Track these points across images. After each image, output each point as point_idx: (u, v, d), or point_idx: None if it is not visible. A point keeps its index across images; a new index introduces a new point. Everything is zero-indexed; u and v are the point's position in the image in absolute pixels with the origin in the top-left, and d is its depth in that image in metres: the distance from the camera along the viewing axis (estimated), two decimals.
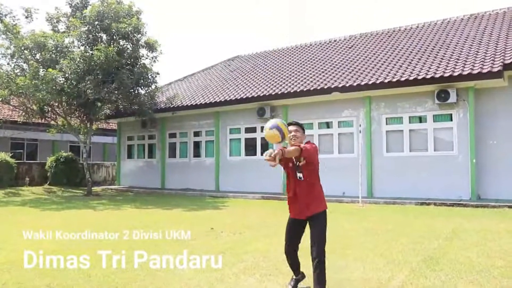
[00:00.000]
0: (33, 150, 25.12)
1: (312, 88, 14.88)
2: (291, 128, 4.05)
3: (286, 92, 15.46)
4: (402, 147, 13.82)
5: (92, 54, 15.86)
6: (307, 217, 4.03)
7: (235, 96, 17.00)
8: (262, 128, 16.82)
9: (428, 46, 15.34)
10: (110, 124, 25.64)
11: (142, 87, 18.30)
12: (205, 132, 18.74)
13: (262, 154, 16.60)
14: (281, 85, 16.34)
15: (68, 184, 20.27)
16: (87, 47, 16.96)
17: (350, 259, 5.60)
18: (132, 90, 17.46)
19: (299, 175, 4.01)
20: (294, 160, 4.00)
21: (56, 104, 17.74)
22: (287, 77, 17.17)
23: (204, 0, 73.26)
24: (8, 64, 16.74)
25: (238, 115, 17.49)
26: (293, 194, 4.06)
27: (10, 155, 19.61)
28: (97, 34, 17.02)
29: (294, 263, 4.27)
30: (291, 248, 4.19)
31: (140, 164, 21.34)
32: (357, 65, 15.67)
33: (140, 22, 17.24)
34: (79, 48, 17.18)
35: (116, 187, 21.23)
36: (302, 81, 16.00)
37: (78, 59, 15.90)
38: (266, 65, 20.47)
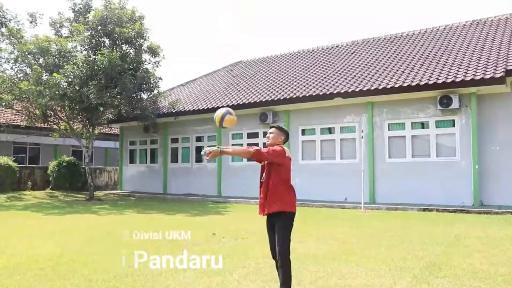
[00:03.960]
0: (35, 155, 25.19)
1: (314, 94, 14.89)
2: (269, 130, 4.32)
3: (288, 97, 15.47)
4: (404, 153, 13.79)
5: (95, 59, 15.92)
6: (268, 214, 4.11)
7: (237, 101, 17.02)
8: (264, 133, 16.86)
9: (431, 52, 15.35)
10: (113, 128, 25.68)
11: (144, 92, 18.37)
12: (207, 137, 18.74)
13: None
14: (283, 91, 16.35)
15: (70, 189, 20.29)
16: (90, 52, 17.05)
17: (352, 265, 5.57)
18: (134, 95, 17.52)
19: (263, 176, 4.18)
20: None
21: (59, 108, 17.80)
22: (289, 82, 17.18)
23: (207, 6, 73.57)
24: (11, 68, 16.85)
25: (240, 120, 17.41)
26: (260, 192, 4.21)
27: (13, 159, 19.67)
28: (100, 39, 17.11)
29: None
30: (272, 247, 4.18)
31: (142, 169, 21.35)
32: (360, 71, 15.68)
33: (143, 27, 17.33)
34: (82, 52, 17.26)
35: (118, 192, 21.23)
36: (304, 86, 16.01)
37: (81, 64, 15.96)
38: (268, 70, 20.50)
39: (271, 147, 4.14)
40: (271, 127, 4.32)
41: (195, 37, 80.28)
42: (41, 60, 16.26)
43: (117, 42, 17.13)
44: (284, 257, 3.94)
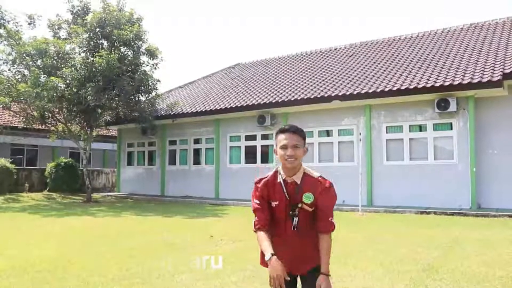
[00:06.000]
0: (33, 156, 25.13)
1: (312, 96, 14.90)
2: (289, 139, 2.52)
3: (286, 100, 15.48)
4: (402, 155, 13.82)
5: (93, 60, 15.93)
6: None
7: (235, 103, 17.03)
8: (262, 136, 16.91)
9: (428, 55, 15.40)
10: (110, 130, 25.67)
11: (142, 94, 18.36)
12: (205, 140, 18.74)
13: (262, 162, 16.66)
14: (281, 93, 16.37)
15: (68, 191, 20.24)
16: (88, 53, 17.05)
17: (350, 268, 5.57)
18: (132, 97, 17.52)
19: (295, 222, 2.57)
20: (287, 195, 2.56)
21: (57, 110, 17.78)
22: (288, 85, 17.20)
23: (206, 8, 73.67)
24: (9, 70, 16.83)
25: (239, 123, 17.50)
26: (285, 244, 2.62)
27: (10, 161, 19.61)
28: (98, 41, 17.12)
29: None
30: None
31: (140, 171, 21.32)
32: (357, 74, 15.71)
33: (141, 29, 17.34)
34: (80, 54, 17.26)
35: (115, 194, 21.19)
36: (302, 89, 16.03)
37: (79, 66, 15.95)
38: (266, 73, 20.53)
39: (329, 187, 2.55)
40: (284, 131, 2.56)
41: (193, 39, 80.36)
42: (39, 62, 16.26)
43: (115, 44, 17.14)
44: None
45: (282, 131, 2.60)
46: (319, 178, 2.59)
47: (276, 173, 2.64)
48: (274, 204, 2.60)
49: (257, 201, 2.62)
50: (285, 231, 2.61)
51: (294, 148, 2.51)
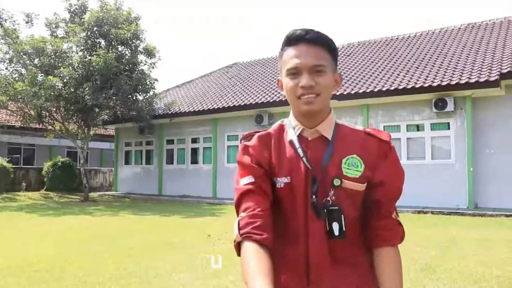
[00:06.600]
0: (30, 155, 25.07)
1: None
2: (304, 55, 1.25)
3: (284, 99, 15.45)
4: (399, 155, 13.77)
5: (90, 59, 15.89)
6: None
7: (233, 103, 17.02)
8: None
9: (426, 54, 15.42)
10: (108, 130, 25.61)
11: (140, 93, 18.35)
12: (203, 139, 18.72)
13: None
14: (279, 93, 16.36)
15: (65, 190, 20.19)
16: (86, 52, 17.02)
17: None
18: (130, 96, 17.50)
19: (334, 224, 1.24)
20: (308, 164, 1.28)
21: (54, 109, 17.75)
22: None
23: (204, 7, 73.66)
24: (6, 69, 16.79)
25: (236, 122, 17.49)
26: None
27: (7, 160, 19.56)
28: (95, 40, 17.09)
29: None
30: None
31: (138, 170, 21.29)
32: (355, 73, 15.72)
33: (139, 28, 17.32)
34: (77, 53, 17.22)
35: (113, 193, 21.15)
36: None
37: (76, 65, 15.93)
38: (264, 72, 20.52)
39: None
40: (310, 41, 1.25)
41: (191, 38, 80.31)
42: (36, 61, 16.22)
43: (113, 43, 17.11)
44: None
45: (290, 40, 1.30)
46: (368, 129, 1.40)
47: (281, 126, 1.44)
48: (281, 183, 1.29)
49: (250, 179, 1.29)
50: (307, 240, 1.27)
51: (314, 72, 1.26)
